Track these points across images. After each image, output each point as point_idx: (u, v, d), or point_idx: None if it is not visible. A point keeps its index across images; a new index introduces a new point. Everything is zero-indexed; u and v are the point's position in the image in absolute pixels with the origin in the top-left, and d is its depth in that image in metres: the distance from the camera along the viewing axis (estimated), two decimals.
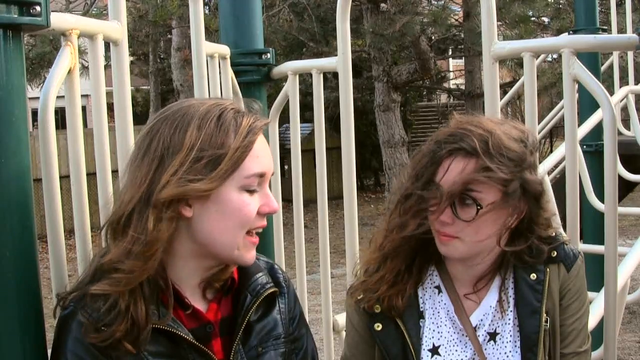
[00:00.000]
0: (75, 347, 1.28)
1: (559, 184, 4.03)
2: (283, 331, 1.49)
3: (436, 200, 1.54)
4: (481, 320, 1.63)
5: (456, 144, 1.54)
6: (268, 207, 1.37)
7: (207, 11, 12.11)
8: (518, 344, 1.61)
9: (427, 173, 1.57)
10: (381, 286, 1.64)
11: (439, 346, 1.63)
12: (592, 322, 2.40)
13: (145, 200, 1.28)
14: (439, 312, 1.66)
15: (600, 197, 2.79)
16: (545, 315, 1.60)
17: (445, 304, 1.66)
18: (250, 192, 1.34)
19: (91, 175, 1.45)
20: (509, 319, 1.62)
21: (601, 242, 2.16)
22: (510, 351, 1.60)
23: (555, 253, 1.64)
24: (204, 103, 1.35)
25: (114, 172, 1.60)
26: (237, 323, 1.42)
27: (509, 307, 1.63)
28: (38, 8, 1.28)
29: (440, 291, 1.67)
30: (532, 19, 12.02)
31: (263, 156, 1.36)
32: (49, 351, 1.38)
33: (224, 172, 1.29)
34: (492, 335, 1.62)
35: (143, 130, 1.36)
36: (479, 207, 1.51)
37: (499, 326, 1.63)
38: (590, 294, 2.87)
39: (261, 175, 1.35)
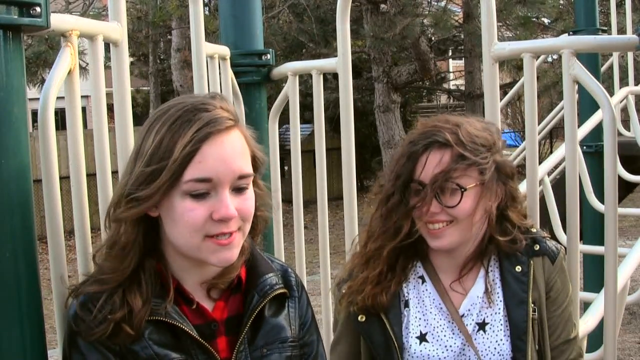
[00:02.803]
0: (85, 347, 1.31)
1: (559, 185, 4.03)
2: (290, 335, 1.48)
3: (420, 196, 1.63)
4: (469, 310, 1.69)
5: (430, 139, 1.63)
6: (217, 214, 1.29)
7: (206, 12, 12.12)
8: (508, 332, 1.67)
9: (405, 171, 1.65)
10: (365, 287, 1.70)
11: (426, 333, 1.69)
12: (592, 323, 2.40)
13: (117, 200, 1.35)
14: (423, 301, 1.72)
15: (600, 197, 2.79)
16: (532, 305, 1.67)
17: (430, 292, 1.72)
18: (196, 197, 1.29)
19: (91, 176, 1.45)
20: (499, 309, 1.68)
21: (601, 243, 2.16)
22: (501, 339, 1.66)
23: (538, 247, 1.72)
24: (177, 105, 1.34)
25: (114, 172, 1.60)
26: (243, 323, 1.42)
27: (498, 297, 1.69)
28: (38, 9, 1.28)
29: (424, 281, 1.74)
30: (533, 19, 11.99)
31: (210, 160, 1.28)
32: (49, 351, 1.38)
33: (162, 184, 1.28)
34: (481, 325, 1.68)
35: None
36: (462, 190, 1.60)
37: (487, 316, 1.69)
38: (591, 295, 2.88)
39: (204, 181, 1.28)
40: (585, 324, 2.24)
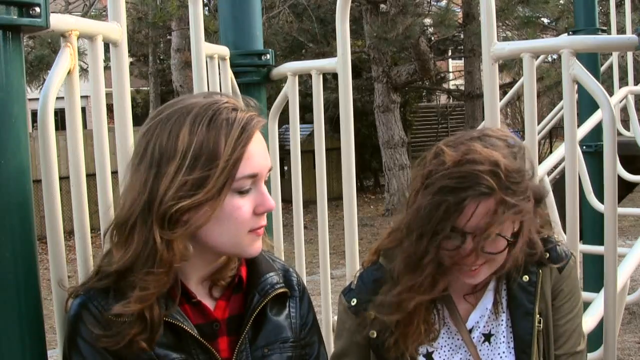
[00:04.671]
0: (86, 334, 1.29)
1: (559, 185, 4.03)
2: (292, 335, 1.48)
3: (459, 243, 1.49)
4: (477, 322, 1.64)
5: (473, 190, 1.45)
6: (263, 207, 1.34)
7: (206, 12, 12.11)
8: (512, 344, 1.61)
9: (448, 225, 1.47)
10: (407, 339, 1.59)
11: (432, 352, 1.63)
12: (591, 323, 2.40)
13: (147, 209, 1.28)
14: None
15: (600, 197, 2.79)
16: (538, 316, 1.60)
17: (439, 309, 1.65)
18: (243, 193, 1.32)
19: (91, 177, 1.45)
20: (502, 320, 1.63)
21: (601, 243, 2.16)
22: (504, 352, 1.61)
23: (548, 255, 1.63)
24: (197, 103, 1.32)
25: (114, 173, 1.60)
26: (244, 322, 1.42)
27: (502, 308, 1.63)
28: (38, 9, 1.28)
29: None
30: (533, 19, 12.00)
31: (256, 156, 1.32)
32: (49, 352, 1.38)
33: (216, 190, 1.27)
34: (487, 336, 1.63)
35: (140, 131, 1.35)
36: (509, 240, 1.50)
37: (493, 327, 1.63)
38: (590, 295, 2.88)
39: (253, 176, 1.32)
40: (585, 324, 2.24)
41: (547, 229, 1.69)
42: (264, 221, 1.37)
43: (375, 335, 1.63)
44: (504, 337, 1.62)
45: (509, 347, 1.61)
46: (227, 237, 1.33)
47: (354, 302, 1.68)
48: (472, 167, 1.47)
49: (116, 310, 1.28)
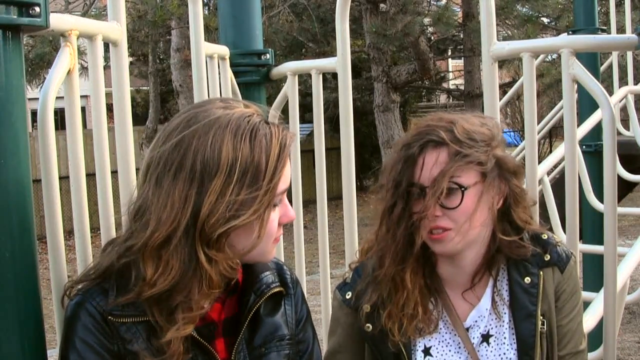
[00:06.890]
0: (84, 334, 1.29)
1: (559, 184, 4.03)
2: (288, 333, 1.49)
3: (422, 200, 1.55)
4: (476, 321, 1.64)
5: (424, 139, 1.56)
6: (286, 217, 1.38)
7: (206, 11, 12.11)
8: (515, 346, 1.61)
9: (404, 177, 1.56)
10: (414, 320, 1.62)
11: (430, 347, 1.64)
12: (591, 322, 2.40)
13: (190, 226, 1.25)
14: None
15: (600, 197, 2.78)
16: (541, 318, 1.60)
17: (435, 300, 1.66)
18: (275, 206, 1.34)
19: (90, 176, 1.45)
20: (505, 322, 1.62)
21: (601, 242, 2.16)
22: (505, 353, 1.61)
23: (549, 257, 1.64)
24: (230, 115, 1.29)
25: (114, 172, 1.61)
26: (240, 323, 1.42)
27: (504, 309, 1.63)
28: (37, 9, 1.28)
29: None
30: (533, 18, 11.98)
31: (288, 171, 1.35)
32: (48, 351, 1.38)
33: (263, 209, 1.29)
34: (485, 337, 1.62)
35: (168, 141, 1.29)
36: (463, 189, 1.52)
37: (492, 328, 1.63)
38: (590, 294, 2.88)
39: (285, 191, 1.36)
40: (584, 324, 2.24)
41: (539, 227, 1.70)
42: (282, 229, 1.41)
43: (370, 328, 1.64)
44: (505, 338, 1.61)
45: (511, 348, 1.61)
46: (258, 249, 1.35)
47: (349, 295, 1.69)
48: (429, 124, 1.59)
49: (170, 336, 1.26)
